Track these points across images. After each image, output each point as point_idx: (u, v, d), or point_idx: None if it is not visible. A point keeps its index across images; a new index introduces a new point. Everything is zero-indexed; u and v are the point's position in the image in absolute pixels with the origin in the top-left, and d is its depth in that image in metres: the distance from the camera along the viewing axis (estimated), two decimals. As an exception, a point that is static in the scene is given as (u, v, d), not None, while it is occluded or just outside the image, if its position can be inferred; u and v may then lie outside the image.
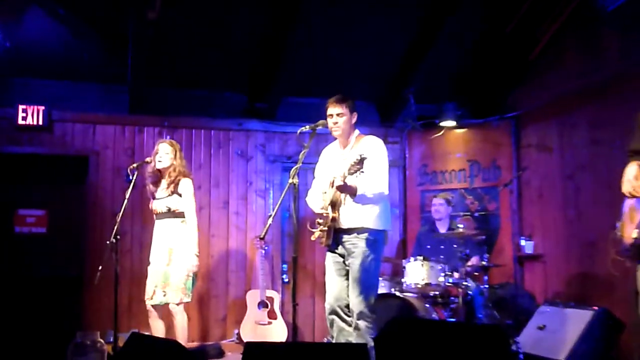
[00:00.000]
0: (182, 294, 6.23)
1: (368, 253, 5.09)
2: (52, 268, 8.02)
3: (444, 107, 8.65)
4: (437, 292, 6.82)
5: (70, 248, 8.01)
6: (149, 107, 8.32)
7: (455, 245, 7.19)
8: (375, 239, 5.15)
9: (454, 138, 8.86)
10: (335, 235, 5.16)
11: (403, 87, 8.57)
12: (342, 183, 4.76)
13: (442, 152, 8.85)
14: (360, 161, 4.59)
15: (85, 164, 8.14)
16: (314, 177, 5.60)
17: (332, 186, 5.00)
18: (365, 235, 5.11)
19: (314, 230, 5.15)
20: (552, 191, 7.91)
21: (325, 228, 5.07)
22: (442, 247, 7.44)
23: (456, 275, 6.74)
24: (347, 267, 5.19)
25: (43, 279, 7.94)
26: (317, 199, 5.36)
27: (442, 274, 6.71)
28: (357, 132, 5.36)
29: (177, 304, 6.24)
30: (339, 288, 5.24)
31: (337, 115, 5.20)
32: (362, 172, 4.63)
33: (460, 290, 6.68)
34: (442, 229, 7.74)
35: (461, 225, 7.33)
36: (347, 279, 5.18)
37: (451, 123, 8.67)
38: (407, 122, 8.82)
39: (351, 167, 4.65)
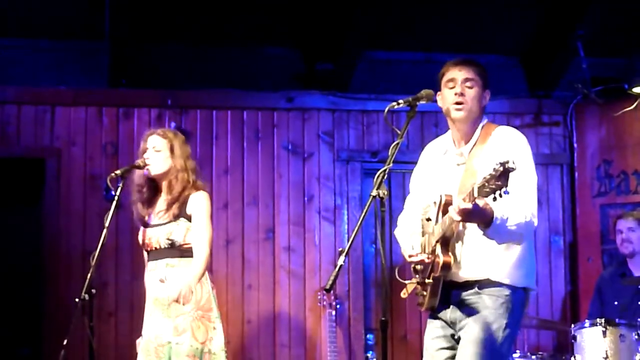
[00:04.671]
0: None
1: (498, 321, 4.85)
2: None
3: (637, 63, 8.31)
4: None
5: (17, 310, 7.94)
6: (142, 76, 8.17)
7: (663, 301, 7.22)
8: (511, 300, 4.89)
9: (657, 115, 8.48)
10: (444, 293, 4.93)
11: (567, 30, 8.22)
12: (469, 205, 4.48)
13: (637, 139, 8.48)
14: (504, 173, 4.32)
15: (39, 171, 7.94)
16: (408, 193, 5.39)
17: (442, 210, 4.82)
18: (494, 292, 4.88)
19: (406, 282, 5.03)
20: None
21: (429, 280, 4.88)
22: (639, 302, 7.24)
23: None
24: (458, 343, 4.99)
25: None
26: (413, 232, 5.13)
27: (642, 350, 6.71)
28: (485, 120, 5.11)
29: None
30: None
31: (463, 83, 4.94)
32: (507, 192, 4.36)
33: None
34: (639, 271, 7.46)
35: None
36: (458, 363, 5.09)
37: (652, 89, 8.28)
38: (574, 88, 8.44)
39: (486, 182, 4.38)
